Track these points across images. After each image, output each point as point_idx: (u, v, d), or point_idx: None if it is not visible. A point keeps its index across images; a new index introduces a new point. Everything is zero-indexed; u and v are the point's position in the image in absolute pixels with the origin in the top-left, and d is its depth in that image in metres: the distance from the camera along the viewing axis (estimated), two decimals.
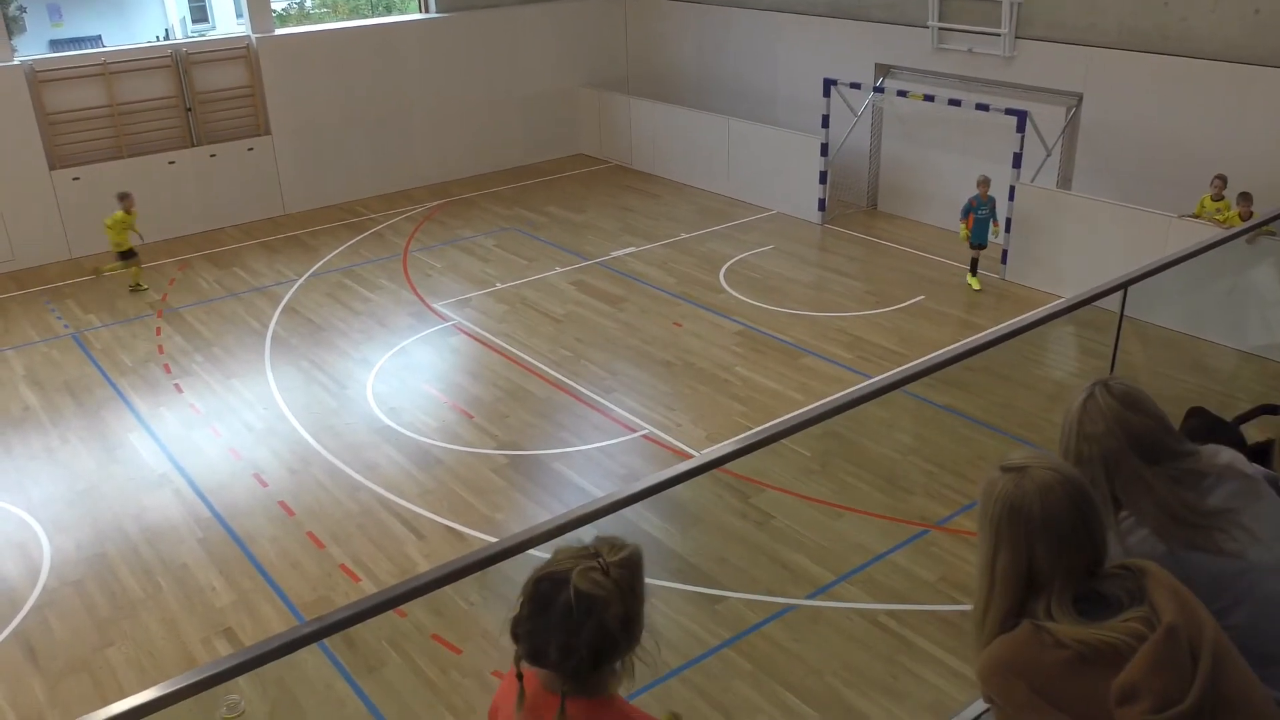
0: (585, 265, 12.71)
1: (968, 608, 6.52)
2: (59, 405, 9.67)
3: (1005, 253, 11.83)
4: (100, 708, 1.90)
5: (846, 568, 7.05)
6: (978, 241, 11.60)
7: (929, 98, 12.70)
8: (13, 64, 12.89)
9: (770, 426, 2.87)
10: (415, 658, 6.33)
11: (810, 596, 6.77)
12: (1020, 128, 11.55)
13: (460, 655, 6.36)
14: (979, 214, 11.49)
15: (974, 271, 11.76)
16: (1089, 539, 1.94)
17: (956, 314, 11.15)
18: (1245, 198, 9.93)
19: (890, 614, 6.59)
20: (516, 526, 7.51)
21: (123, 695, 5.91)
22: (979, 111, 12.17)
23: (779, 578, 7.00)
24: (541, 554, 2.05)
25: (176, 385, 9.99)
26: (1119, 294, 3.90)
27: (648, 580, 1.98)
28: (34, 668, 6.45)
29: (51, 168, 13.20)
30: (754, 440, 2.76)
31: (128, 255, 12.29)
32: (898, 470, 8.16)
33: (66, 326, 11.41)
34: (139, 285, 12.41)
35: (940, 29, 12.95)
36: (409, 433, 8.98)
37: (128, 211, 12.16)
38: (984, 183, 11.46)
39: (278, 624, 6.74)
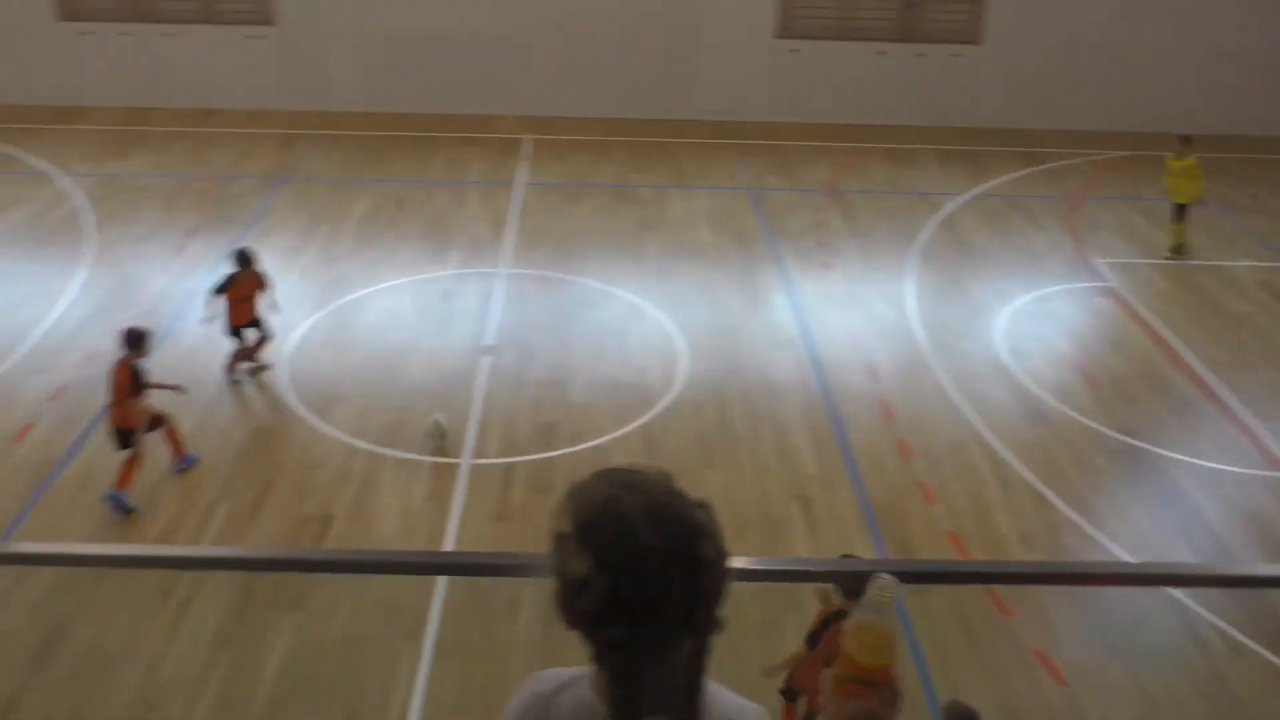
0: None
1: None
2: (726, 249, 10.81)
3: None
4: None
5: None
6: None
7: None
8: None
9: None
10: None
11: None
12: None
13: None
14: None
15: None
16: None
17: None
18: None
19: None
20: (1112, 518, 7.02)
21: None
22: None
23: None
24: None
25: (825, 262, 10.62)
26: None
27: None
28: (647, 459, 7.47)
29: (775, 37, 14.35)
30: None
31: (1181, 209, 10.69)
32: None
33: (748, 183, 12.60)
34: (1181, 247, 10.84)
35: None
36: (1026, 380, 8.66)
37: (1180, 156, 10.61)
38: None
39: (848, 511, 7.06)
